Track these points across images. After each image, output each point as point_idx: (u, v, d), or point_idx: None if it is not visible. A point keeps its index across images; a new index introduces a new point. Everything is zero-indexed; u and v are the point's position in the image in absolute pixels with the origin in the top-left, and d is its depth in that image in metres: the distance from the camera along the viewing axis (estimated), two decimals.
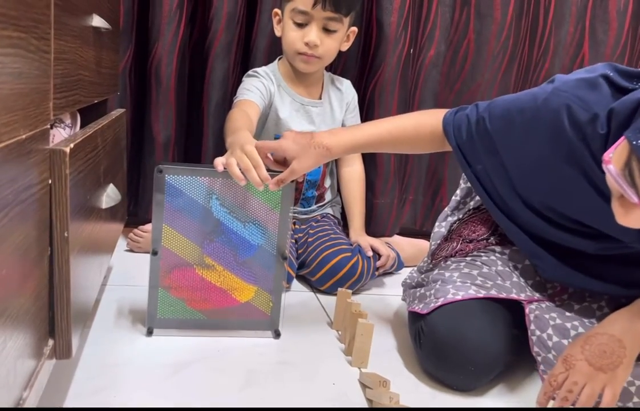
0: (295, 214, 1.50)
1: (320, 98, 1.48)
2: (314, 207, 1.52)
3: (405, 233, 1.68)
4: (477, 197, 1.15)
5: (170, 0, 1.44)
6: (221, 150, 1.47)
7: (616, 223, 0.76)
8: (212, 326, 1.07)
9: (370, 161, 1.58)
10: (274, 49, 1.53)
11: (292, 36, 1.37)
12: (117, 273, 1.28)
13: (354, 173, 1.52)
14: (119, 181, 1.16)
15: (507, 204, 0.98)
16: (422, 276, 1.10)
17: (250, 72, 1.46)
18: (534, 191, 0.93)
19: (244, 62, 1.56)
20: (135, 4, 1.51)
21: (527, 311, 0.98)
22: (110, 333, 1.02)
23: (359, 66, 1.60)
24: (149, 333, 1.04)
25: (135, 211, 1.53)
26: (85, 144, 0.81)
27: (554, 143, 0.86)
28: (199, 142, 1.54)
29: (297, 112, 1.45)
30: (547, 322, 0.96)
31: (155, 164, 1.48)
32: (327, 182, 1.53)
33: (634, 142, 0.70)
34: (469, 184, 1.17)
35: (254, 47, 1.55)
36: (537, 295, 1.01)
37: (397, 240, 1.57)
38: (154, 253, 1.02)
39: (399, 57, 1.53)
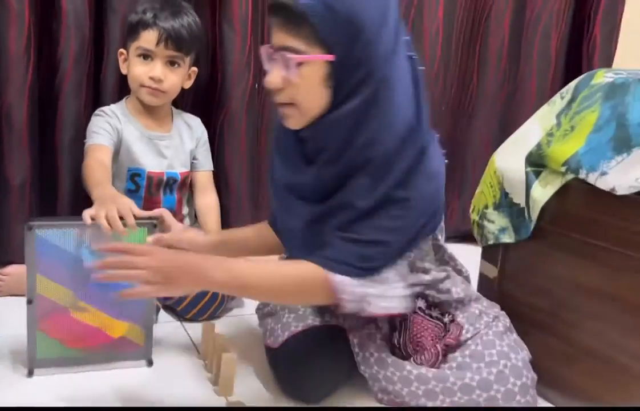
0: None
1: (169, 132, 1.58)
2: None
3: None
4: None
5: (17, 45, 1.46)
6: (76, 189, 1.54)
7: None
8: (90, 361, 1.17)
9: (224, 187, 1.71)
10: (124, 86, 1.60)
11: (138, 71, 1.48)
12: None
13: (209, 203, 1.64)
14: None
15: None
16: (271, 305, 1.26)
17: (96, 111, 1.53)
18: None
19: (95, 100, 1.62)
20: None
21: (350, 337, 1.15)
22: None
23: (208, 102, 1.72)
24: (30, 373, 1.13)
25: None
26: None
27: None
28: (54, 182, 1.58)
29: (147, 146, 1.54)
30: (369, 347, 1.14)
31: (10, 208, 1.52)
32: (185, 210, 1.64)
33: None
34: None
35: (104, 84, 1.61)
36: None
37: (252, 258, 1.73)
38: (29, 302, 1.11)
39: (243, 92, 1.67)
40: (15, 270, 1.50)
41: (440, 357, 1.12)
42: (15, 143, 1.50)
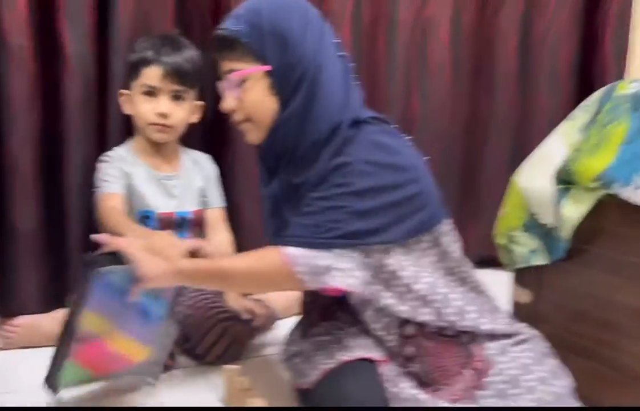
0: None
1: (177, 171, 1.55)
2: None
3: None
4: None
5: (21, 91, 1.44)
6: (85, 235, 1.47)
7: None
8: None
9: (236, 223, 1.67)
10: (130, 128, 1.55)
11: (144, 109, 1.46)
12: None
13: (222, 240, 1.59)
14: None
15: None
16: (298, 345, 1.22)
17: (103, 157, 1.50)
18: None
19: (102, 143, 1.58)
20: None
21: (380, 371, 1.09)
22: None
23: (218, 138, 1.69)
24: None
25: (4, 307, 1.49)
26: None
27: None
28: (62, 228, 1.54)
29: (156, 187, 1.51)
30: (400, 380, 1.09)
31: (19, 256, 1.48)
32: None
33: None
34: None
35: (110, 127, 1.58)
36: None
37: (270, 295, 1.68)
38: (68, 339, 1.11)
39: None
40: (26, 321, 1.45)
41: (472, 384, 1.06)
42: (22, 189, 1.47)
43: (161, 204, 1.50)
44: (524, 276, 1.28)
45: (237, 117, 1.11)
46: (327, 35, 1.12)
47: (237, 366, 1.22)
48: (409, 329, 1.11)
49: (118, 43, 1.53)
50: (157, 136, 1.49)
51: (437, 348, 1.10)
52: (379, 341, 1.13)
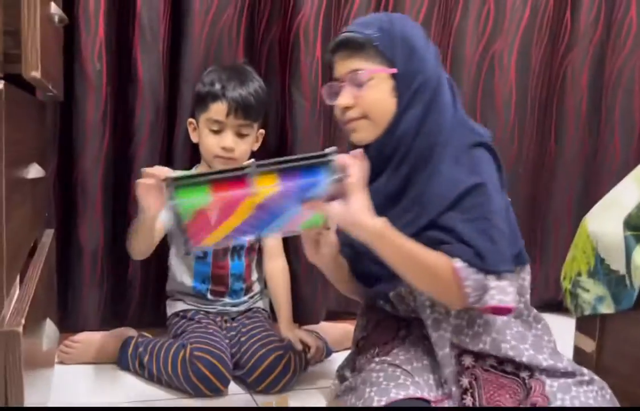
0: (226, 309, 1.56)
1: None
2: (244, 299, 1.59)
3: (331, 315, 1.78)
4: None
5: (94, 116, 1.49)
6: (148, 257, 1.52)
7: None
8: None
9: (293, 251, 1.67)
10: (195, 153, 1.60)
11: (210, 142, 1.50)
12: (55, 392, 1.28)
13: (278, 268, 1.61)
14: (52, 312, 1.18)
15: None
16: (350, 381, 1.20)
17: None
18: None
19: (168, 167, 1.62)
20: (58, 118, 1.54)
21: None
22: None
23: None
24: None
25: (65, 322, 1.53)
26: (32, 308, 0.85)
27: None
28: (124, 249, 1.56)
29: None
30: None
31: (84, 273, 1.52)
32: (254, 276, 1.61)
33: None
34: None
35: (176, 152, 1.62)
36: (448, 390, 1.12)
37: (323, 326, 1.67)
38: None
39: None
40: (86, 337, 1.49)
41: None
42: (90, 210, 1.51)
43: None
44: (588, 323, 1.22)
45: (353, 114, 1.14)
46: (438, 57, 1.20)
47: (287, 396, 1.20)
48: (467, 360, 1.12)
49: (189, 71, 1.57)
50: (219, 166, 1.51)
51: (494, 381, 1.09)
52: (436, 379, 1.11)
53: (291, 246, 1.67)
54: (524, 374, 1.08)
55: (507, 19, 1.85)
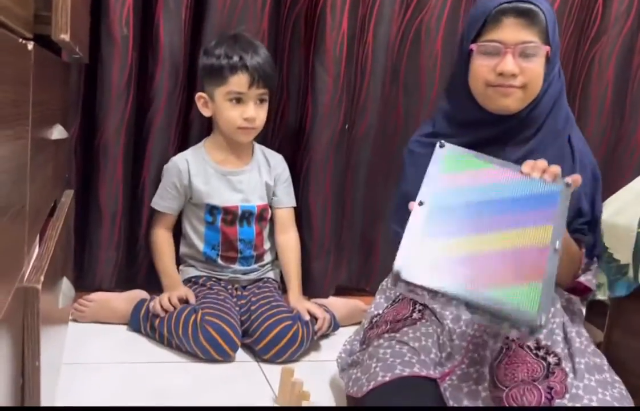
0: (237, 277, 1.59)
1: (245, 166, 1.59)
2: (254, 266, 1.61)
3: (340, 290, 1.80)
4: None
5: (119, 80, 1.50)
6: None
7: None
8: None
9: (306, 226, 1.69)
10: (212, 125, 1.61)
11: (232, 115, 1.51)
12: (67, 350, 1.32)
13: (289, 240, 1.63)
14: (68, 271, 1.21)
15: None
16: (356, 355, 1.21)
17: (169, 163, 1.57)
18: None
19: (183, 138, 1.65)
20: (82, 80, 1.55)
21: (441, 389, 1.09)
22: None
23: (296, 141, 1.71)
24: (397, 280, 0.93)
25: (80, 281, 1.57)
26: (50, 266, 0.88)
27: None
28: (140, 214, 1.61)
29: (222, 182, 1.57)
30: (461, 392, 1.09)
31: (102, 235, 1.55)
32: (267, 245, 1.64)
33: None
34: None
35: (193, 124, 1.64)
36: (454, 362, 1.13)
37: (332, 301, 1.69)
38: (420, 204, 1.00)
39: (333, 133, 1.65)
40: (100, 297, 1.53)
41: (543, 400, 1.03)
42: (111, 175, 1.53)
43: (227, 197, 1.56)
44: (596, 314, 1.23)
45: (516, 82, 1.17)
46: None
47: (293, 367, 1.22)
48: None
49: (211, 38, 1.57)
50: (243, 138, 1.55)
51: (521, 357, 1.10)
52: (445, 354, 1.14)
53: (305, 220, 1.69)
54: (552, 359, 1.09)
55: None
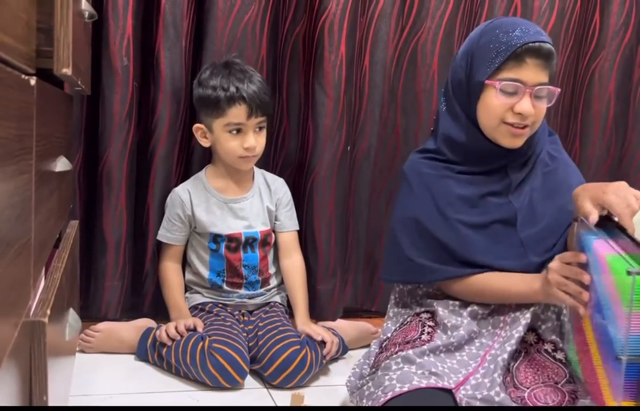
0: (243, 302, 1.58)
1: (247, 193, 1.59)
2: (260, 291, 1.61)
3: (347, 312, 1.79)
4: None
5: (121, 110, 1.51)
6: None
7: None
8: None
9: (311, 248, 1.68)
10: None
11: (232, 145, 1.52)
12: (75, 381, 1.31)
13: (294, 264, 1.63)
14: (75, 302, 1.21)
15: None
16: (366, 379, 1.20)
17: (171, 195, 1.58)
18: None
19: (186, 165, 1.66)
20: (84, 110, 1.57)
21: (457, 398, 1.09)
22: None
23: (298, 164, 1.72)
24: None
25: (86, 311, 1.56)
26: (57, 298, 0.87)
27: None
28: (144, 240, 1.61)
29: (224, 211, 1.57)
30: (476, 400, 1.09)
31: (107, 264, 1.55)
32: (272, 269, 1.63)
33: None
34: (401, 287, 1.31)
35: (195, 151, 1.65)
36: (470, 368, 1.14)
37: (340, 324, 1.68)
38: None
39: (334, 155, 1.65)
40: (107, 327, 1.52)
41: (566, 400, 1.06)
42: (114, 202, 1.54)
43: (230, 225, 1.56)
44: None
45: (528, 122, 1.17)
46: None
47: (303, 393, 1.21)
48: (530, 337, 1.18)
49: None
50: (245, 166, 1.56)
51: (539, 363, 1.14)
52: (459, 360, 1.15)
53: (309, 242, 1.69)
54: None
55: (534, 20, 1.84)
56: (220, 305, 1.57)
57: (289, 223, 1.64)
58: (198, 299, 1.58)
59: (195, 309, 1.56)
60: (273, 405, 1.32)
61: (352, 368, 1.30)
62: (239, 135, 1.51)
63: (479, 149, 1.22)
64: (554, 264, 1.07)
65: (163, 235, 1.57)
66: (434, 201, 1.22)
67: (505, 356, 1.14)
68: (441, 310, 1.21)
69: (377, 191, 1.78)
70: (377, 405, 1.09)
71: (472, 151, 1.23)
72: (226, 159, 1.55)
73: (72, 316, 1.09)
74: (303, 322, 1.55)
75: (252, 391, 1.38)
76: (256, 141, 1.52)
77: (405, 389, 1.08)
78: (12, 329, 0.62)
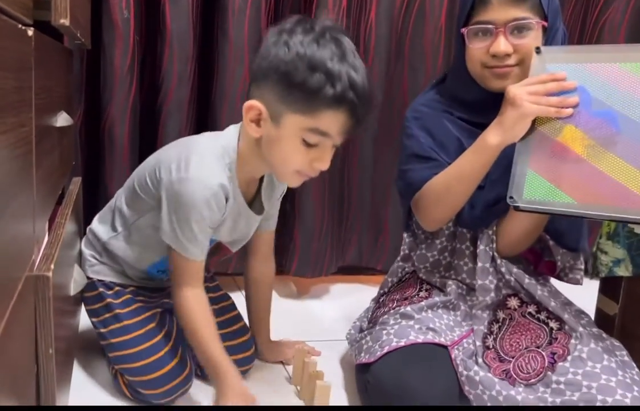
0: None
1: (258, 192, 1.20)
2: None
3: (350, 270, 1.79)
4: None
5: (122, 64, 1.49)
6: None
7: None
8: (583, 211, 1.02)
9: (307, 205, 1.66)
10: (232, 113, 1.56)
11: (299, 159, 1.04)
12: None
13: (268, 273, 1.32)
14: (78, 257, 1.21)
15: None
16: (365, 332, 1.22)
17: (204, 192, 1.04)
18: None
19: (200, 120, 1.62)
20: (84, 65, 1.55)
21: (452, 355, 1.10)
22: None
23: None
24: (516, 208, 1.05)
25: None
26: (61, 252, 0.87)
27: None
28: None
29: (240, 220, 1.17)
30: (473, 361, 1.10)
31: None
32: None
33: None
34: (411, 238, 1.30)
35: (212, 106, 1.60)
36: (464, 330, 1.15)
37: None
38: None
39: None
40: None
41: (546, 365, 1.06)
42: (117, 159, 1.53)
43: (221, 235, 1.16)
44: (612, 286, 1.22)
45: (511, 61, 1.14)
46: None
47: (330, 383, 1.13)
48: (513, 302, 1.18)
49: (225, 22, 1.53)
50: (293, 184, 1.13)
51: (524, 326, 1.14)
52: (455, 319, 1.16)
53: (306, 202, 1.67)
54: (554, 324, 1.11)
55: None
56: (140, 288, 1.21)
57: (272, 220, 1.29)
58: (107, 274, 1.19)
59: (105, 286, 1.17)
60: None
61: (353, 322, 1.32)
62: (313, 148, 1.05)
63: (476, 99, 1.19)
64: (514, 86, 1.07)
65: (188, 249, 1.07)
66: (432, 137, 1.21)
67: (482, 327, 1.15)
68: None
69: (382, 149, 1.77)
70: (373, 359, 1.10)
71: (470, 103, 1.20)
72: (281, 168, 1.09)
73: (77, 271, 1.09)
74: (268, 349, 1.33)
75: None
76: (329, 160, 1.08)
77: (402, 343, 1.09)
78: (15, 282, 0.62)
